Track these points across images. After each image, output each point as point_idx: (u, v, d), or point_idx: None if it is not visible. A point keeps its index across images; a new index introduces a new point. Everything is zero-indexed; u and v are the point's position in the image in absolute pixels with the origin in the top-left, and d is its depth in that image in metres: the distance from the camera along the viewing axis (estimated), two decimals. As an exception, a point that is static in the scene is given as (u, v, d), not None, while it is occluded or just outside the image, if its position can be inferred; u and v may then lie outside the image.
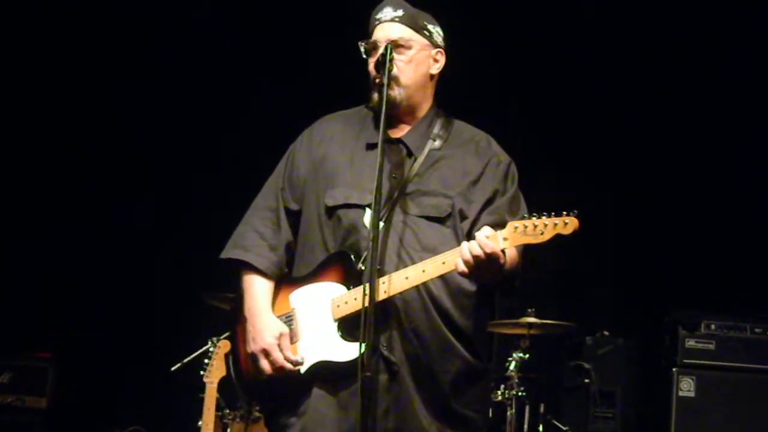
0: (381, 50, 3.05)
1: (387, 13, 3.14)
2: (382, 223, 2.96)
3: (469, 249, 2.79)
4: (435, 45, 3.19)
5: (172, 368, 5.30)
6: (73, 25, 6.44)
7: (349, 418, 2.93)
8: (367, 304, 2.76)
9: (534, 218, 2.81)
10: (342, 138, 3.21)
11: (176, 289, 6.40)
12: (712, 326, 6.07)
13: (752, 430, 5.70)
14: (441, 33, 3.22)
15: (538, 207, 2.88)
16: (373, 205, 2.83)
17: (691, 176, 6.50)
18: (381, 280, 2.90)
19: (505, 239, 2.82)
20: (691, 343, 6.04)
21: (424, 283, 2.95)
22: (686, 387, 5.94)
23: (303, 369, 3.03)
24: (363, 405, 2.71)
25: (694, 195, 6.48)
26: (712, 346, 6.02)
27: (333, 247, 3.08)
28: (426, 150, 3.12)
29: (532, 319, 5.51)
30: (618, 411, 6.37)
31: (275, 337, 3.05)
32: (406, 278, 2.90)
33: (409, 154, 3.13)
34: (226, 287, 5.29)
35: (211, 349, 5.07)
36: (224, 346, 5.04)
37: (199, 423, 4.97)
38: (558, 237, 2.78)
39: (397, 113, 3.12)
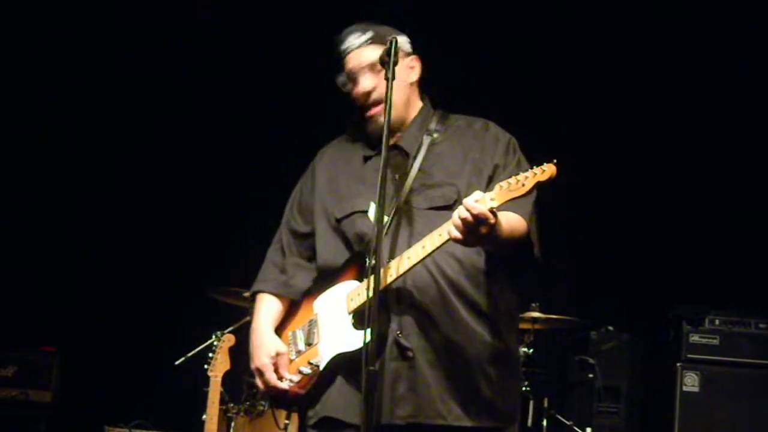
0: (363, 82, 3.13)
1: (353, 40, 3.17)
2: (389, 221, 3.02)
3: (457, 213, 2.79)
4: (407, 54, 3.24)
5: (176, 362, 5.30)
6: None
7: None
8: (369, 298, 2.78)
9: (519, 175, 2.81)
10: (340, 159, 3.34)
11: (180, 284, 6.41)
12: (717, 321, 6.07)
13: (756, 425, 5.70)
14: (408, 39, 3.26)
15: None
16: (377, 201, 2.84)
17: (696, 171, 6.49)
18: (387, 265, 2.95)
19: (492, 199, 2.81)
20: (695, 338, 6.03)
21: (438, 266, 2.99)
22: (690, 382, 5.93)
23: (322, 365, 3.11)
24: (367, 400, 2.70)
25: (699, 190, 6.47)
26: (716, 342, 6.01)
27: (346, 253, 3.18)
28: (424, 147, 3.17)
29: (536, 314, 5.51)
30: (622, 406, 6.37)
31: (270, 356, 3.19)
32: (408, 258, 2.93)
33: (407, 155, 3.19)
34: (230, 282, 5.31)
35: (215, 343, 5.07)
36: (228, 339, 5.05)
37: (204, 417, 4.97)
38: (538, 185, 2.76)
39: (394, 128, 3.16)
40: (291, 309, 3.37)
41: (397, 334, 2.97)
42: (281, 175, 3.84)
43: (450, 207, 3.03)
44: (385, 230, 3.01)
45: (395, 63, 2.96)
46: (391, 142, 3.16)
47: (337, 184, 3.28)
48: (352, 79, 3.17)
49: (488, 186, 3.05)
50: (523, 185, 2.77)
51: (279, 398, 3.27)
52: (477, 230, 2.78)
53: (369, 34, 3.16)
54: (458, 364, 3.00)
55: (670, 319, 6.13)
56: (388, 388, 2.94)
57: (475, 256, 3.03)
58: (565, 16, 6.31)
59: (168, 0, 6.38)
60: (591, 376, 6.19)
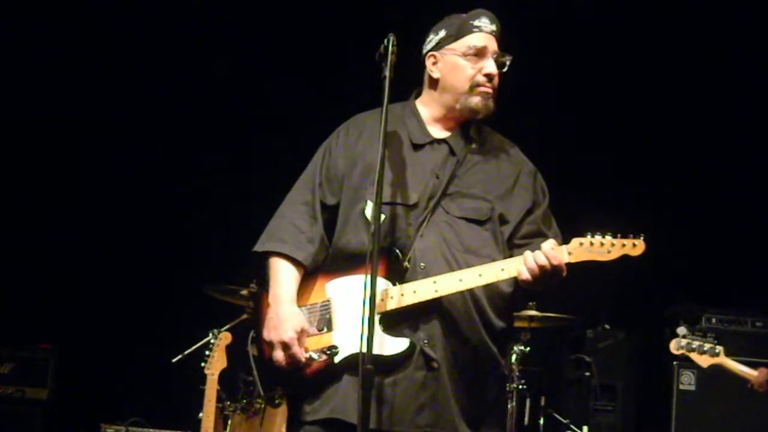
0: (489, 66, 3.14)
1: (487, 24, 3.18)
2: (425, 222, 3.02)
3: (534, 258, 2.89)
4: None
5: (173, 360, 5.30)
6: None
7: (383, 409, 2.94)
8: (368, 296, 2.76)
9: (599, 236, 2.96)
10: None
11: (177, 281, 6.40)
12: (713, 320, 6.08)
13: (752, 424, 5.71)
14: None
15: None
16: (375, 198, 2.83)
17: (692, 169, 6.50)
18: (432, 279, 2.96)
19: (569, 253, 2.95)
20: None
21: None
22: (687, 380, 5.94)
23: (337, 359, 3.04)
24: (364, 397, 2.70)
25: (695, 188, 6.48)
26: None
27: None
28: (466, 152, 3.18)
29: (533, 312, 5.50)
30: (618, 404, 6.38)
31: (296, 331, 3.04)
32: (460, 280, 2.95)
33: (452, 153, 3.17)
34: (227, 279, 5.31)
35: (212, 341, 5.07)
36: (225, 337, 5.05)
37: (200, 415, 4.97)
38: (624, 257, 2.94)
39: (468, 119, 3.17)
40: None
41: (425, 344, 2.98)
42: (279, 173, 3.82)
43: (481, 222, 3.08)
44: (416, 226, 3.03)
45: (392, 62, 2.96)
46: (442, 136, 3.19)
47: (374, 163, 3.06)
48: (481, 54, 3.14)
49: (525, 218, 3.15)
50: (609, 252, 2.96)
51: (290, 378, 3.12)
52: (549, 279, 2.91)
53: (496, 27, 3.19)
54: (475, 379, 3.05)
55: (667, 317, 6.14)
56: (411, 397, 2.95)
57: (502, 282, 3.05)
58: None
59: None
60: (587, 374, 6.19)
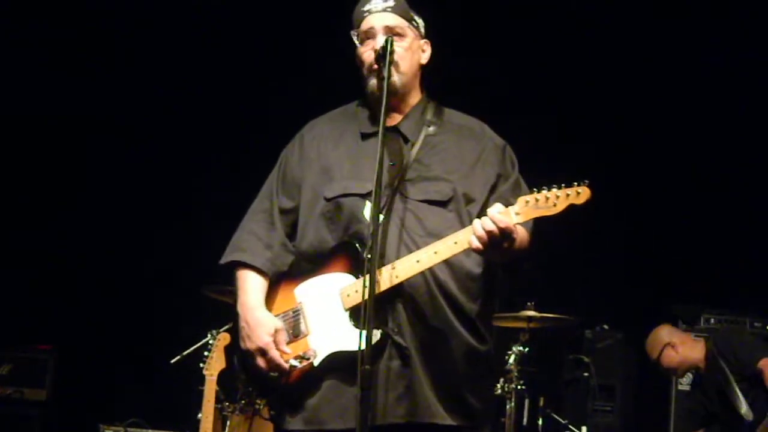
0: (380, 40, 3.05)
1: (377, 3, 3.15)
2: (382, 214, 2.95)
3: (482, 224, 2.79)
4: (422, 36, 3.23)
5: (172, 361, 5.30)
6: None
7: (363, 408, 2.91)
8: (367, 297, 2.73)
9: (545, 191, 2.82)
10: (334, 134, 3.22)
11: (176, 282, 6.40)
12: (712, 320, 6.09)
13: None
14: (424, 23, 3.25)
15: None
16: (373, 198, 2.81)
17: (692, 171, 6.51)
18: (391, 265, 2.91)
19: (517, 214, 2.83)
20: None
21: (430, 268, 2.94)
22: (685, 381, 5.95)
23: (317, 362, 3.01)
24: (363, 397, 2.68)
25: (695, 189, 6.48)
26: (711, 340, 6.02)
27: (332, 239, 3.07)
28: (422, 136, 3.12)
29: (531, 313, 5.50)
30: (617, 404, 6.38)
31: (270, 334, 3.02)
32: (417, 261, 2.89)
33: (405, 140, 3.13)
34: (226, 280, 5.30)
35: (210, 342, 5.07)
36: (224, 338, 5.04)
37: (199, 415, 4.97)
38: (571, 207, 2.79)
39: (392, 101, 3.10)
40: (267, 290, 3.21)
41: (394, 333, 2.94)
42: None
43: (444, 204, 3.02)
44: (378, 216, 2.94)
45: (391, 62, 2.96)
46: (393, 123, 3.15)
47: (328, 161, 3.14)
48: (370, 36, 3.12)
49: (491, 194, 3.08)
50: (555, 205, 2.80)
51: (272, 384, 3.08)
52: (500, 244, 2.80)
53: (391, 2, 3.14)
54: (445, 364, 2.99)
55: (666, 317, 6.14)
56: (388, 388, 2.90)
57: (466, 260, 3.00)
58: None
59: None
60: (586, 374, 6.20)
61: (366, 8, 3.16)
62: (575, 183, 2.80)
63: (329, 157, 3.16)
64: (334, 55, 3.50)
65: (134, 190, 6.71)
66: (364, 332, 2.70)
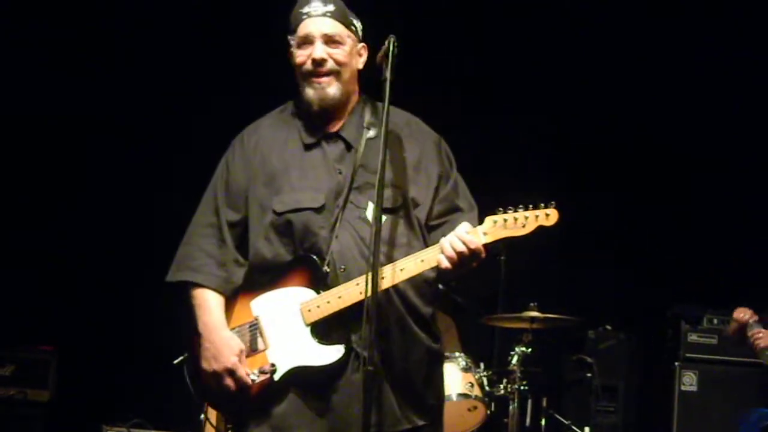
0: (318, 49, 3.03)
1: (316, 7, 3.08)
2: (337, 222, 2.95)
3: (451, 245, 2.82)
4: (360, 40, 3.19)
5: (175, 361, 5.28)
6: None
7: (329, 421, 2.93)
8: (369, 296, 2.74)
9: (511, 212, 2.86)
10: (276, 142, 3.16)
11: (179, 282, 6.38)
12: (715, 321, 6.08)
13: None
14: (362, 27, 3.21)
15: (538, 199, 2.89)
16: (376, 198, 2.79)
17: (693, 171, 6.50)
18: (354, 281, 2.90)
19: (485, 234, 2.87)
20: (693, 337, 6.05)
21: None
22: (688, 381, 5.95)
23: (277, 376, 2.99)
24: (366, 399, 2.69)
25: (697, 189, 6.48)
26: (714, 341, 6.04)
27: (287, 252, 3.03)
28: (363, 140, 3.08)
29: (534, 313, 5.50)
30: (620, 405, 6.38)
31: (236, 354, 3.01)
32: (383, 278, 2.87)
33: (348, 147, 3.09)
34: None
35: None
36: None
37: (202, 416, 4.97)
38: (540, 228, 2.83)
39: (331, 109, 3.08)
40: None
41: (357, 346, 2.93)
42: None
43: (394, 210, 3.01)
44: (329, 228, 2.96)
45: (392, 64, 2.93)
46: (334, 129, 3.11)
47: (273, 172, 3.08)
48: (308, 42, 3.05)
49: (435, 195, 3.08)
50: (524, 226, 2.84)
51: (233, 404, 3.06)
52: (469, 263, 2.84)
53: (331, 7, 3.08)
54: (406, 370, 3.02)
55: (669, 318, 6.15)
56: (354, 400, 2.87)
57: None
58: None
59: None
60: (589, 375, 6.19)
61: (305, 10, 3.10)
62: (542, 204, 2.85)
63: (274, 166, 3.10)
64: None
65: (136, 190, 6.70)
66: (365, 336, 2.71)
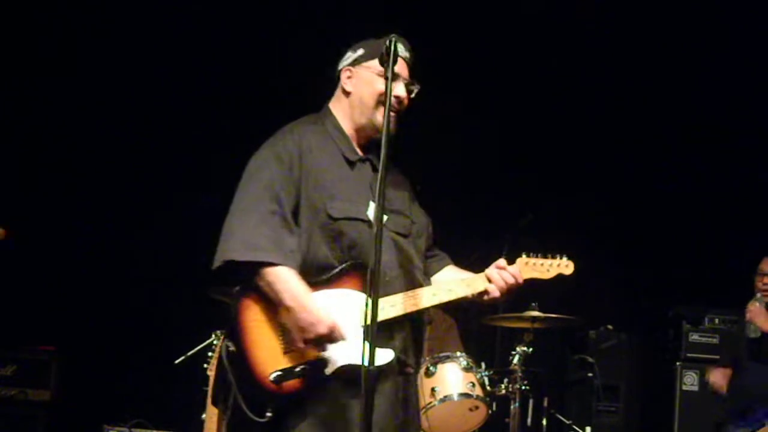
0: (401, 89, 3.21)
1: (401, 50, 3.15)
2: (382, 237, 2.99)
3: (503, 278, 3.17)
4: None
5: (176, 361, 5.30)
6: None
7: (372, 416, 2.90)
8: (370, 302, 2.79)
9: (539, 257, 3.28)
10: (324, 152, 3.24)
11: (180, 282, 6.40)
12: (716, 321, 6.09)
13: (755, 425, 5.70)
14: None
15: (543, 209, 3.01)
16: (376, 199, 2.85)
17: (694, 171, 6.51)
18: (410, 293, 3.14)
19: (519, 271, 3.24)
20: (694, 337, 6.05)
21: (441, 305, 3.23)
22: (690, 381, 5.95)
23: (329, 370, 3.06)
24: (367, 400, 2.72)
25: (698, 190, 6.48)
26: (716, 341, 6.03)
27: (336, 256, 3.13)
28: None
29: (535, 313, 5.49)
30: (621, 405, 6.38)
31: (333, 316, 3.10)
32: (434, 295, 3.16)
33: (375, 171, 3.21)
34: (230, 281, 5.30)
35: (214, 342, 5.06)
36: (228, 339, 5.03)
37: (203, 416, 4.97)
38: (559, 276, 3.28)
39: (378, 138, 3.08)
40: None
41: (400, 353, 3.12)
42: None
43: (406, 236, 3.25)
44: (378, 240, 2.99)
45: (394, 62, 2.98)
46: (364, 153, 3.28)
47: (326, 178, 3.18)
48: (395, 78, 3.15)
49: (428, 227, 3.40)
50: (548, 271, 3.28)
51: (277, 395, 3.02)
52: (514, 293, 3.19)
53: (408, 54, 3.27)
54: (416, 378, 3.30)
55: (670, 318, 6.15)
56: (391, 402, 3.10)
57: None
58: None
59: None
60: (590, 375, 6.19)
61: (403, 54, 3.20)
62: (565, 257, 3.32)
63: (326, 172, 3.20)
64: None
65: (137, 190, 6.70)
66: (367, 339, 2.75)
